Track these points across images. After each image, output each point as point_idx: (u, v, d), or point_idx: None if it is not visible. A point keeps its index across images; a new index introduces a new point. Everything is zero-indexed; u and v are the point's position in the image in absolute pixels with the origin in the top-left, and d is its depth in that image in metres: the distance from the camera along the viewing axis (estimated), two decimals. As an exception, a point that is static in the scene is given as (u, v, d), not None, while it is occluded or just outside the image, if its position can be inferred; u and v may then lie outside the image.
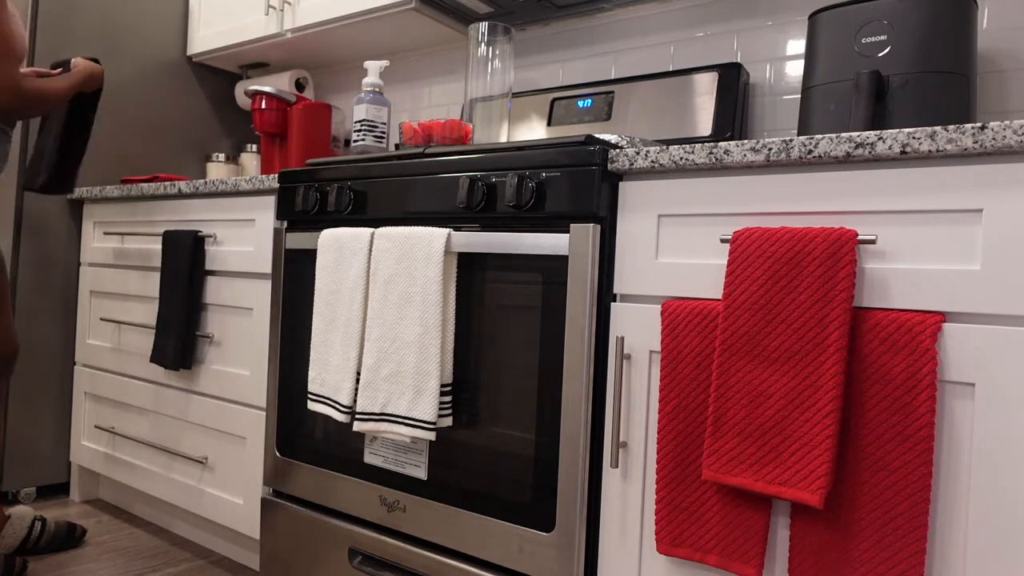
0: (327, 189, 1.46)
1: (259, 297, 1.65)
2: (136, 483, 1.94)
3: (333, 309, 1.37)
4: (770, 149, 0.97)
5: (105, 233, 2.02)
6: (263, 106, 2.08)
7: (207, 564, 1.78)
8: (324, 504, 1.45)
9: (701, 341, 1.00)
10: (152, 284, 1.93)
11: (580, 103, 1.83)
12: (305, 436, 1.49)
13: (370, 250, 1.32)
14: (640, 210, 1.10)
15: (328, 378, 1.36)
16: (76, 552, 1.80)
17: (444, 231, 1.23)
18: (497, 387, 1.21)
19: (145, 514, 2.07)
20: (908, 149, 0.88)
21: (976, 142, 0.83)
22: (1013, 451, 0.81)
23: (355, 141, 1.72)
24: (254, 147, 2.40)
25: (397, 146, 1.54)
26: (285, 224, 1.57)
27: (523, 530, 1.16)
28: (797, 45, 1.66)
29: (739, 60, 1.73)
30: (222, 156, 2.40)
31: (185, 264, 1.76)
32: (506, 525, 1.18)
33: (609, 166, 1.11)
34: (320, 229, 1.48)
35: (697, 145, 1.03)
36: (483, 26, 1.59)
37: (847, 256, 0.88)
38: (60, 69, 1.77)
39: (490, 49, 1.59)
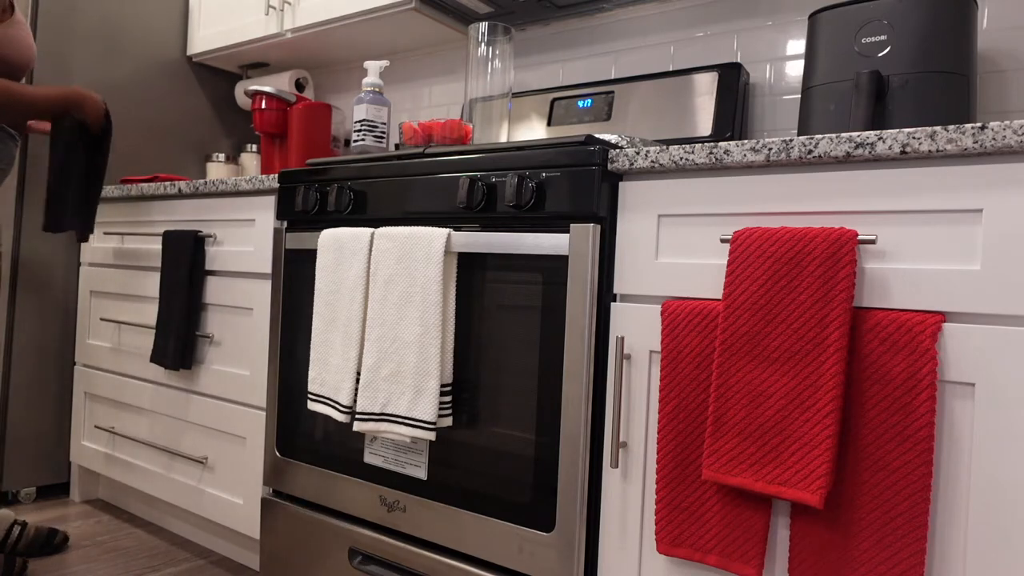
0: (327, 189, 1.46)
1: (259, 297, 1.65)
2: (136, 483, 1.94)
3: (333, 309, 1.37)
4: (770, 149, 0.97)
5: (105, 233, 2.02)
6: (263, 106, 2.08)
7: (207, 564, 1.78)
8: (324, 504, 1.45)
9: (701, 341, 1.00)
10: (152, 284, 1.93)
11: (580, 103, 1.83)
12: (305, 436, 1.49)
13: (370, 250, 1.32)
14: (640, 210, 1.10)
15: (328, 378, 1.36)
16: (76, 552, 1.80)
17: (444, 231, 1.23)
18: (497, 387, 1.21)
19: (145, 514, 2.07)
20: (908, 149, 0.88)
21: (976, 142, 0.83)
22: (1013, 451, 0.81)
23: (355, 141, 1.72)
24: (254, 147, 2.40)
25: (397, 146, 1.54)
26: (285, 224, 1.57)
27: (523, 530, 1.16)
28: (797, 45, 1.66)
29: (739, 60, 1.73)
30: (222, 156, 2.40)
31: (185, 264, 1.76)
32: (506, 525, 1.18)
33: (609, 166, 1.11)
34: (320, 229, 1.48)
35: (697, 145, 1.03)
36: (483, 26, 1.59)
37: (847, 256, 0.88)
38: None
39: (490, 49, 1.59)
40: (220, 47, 2.36)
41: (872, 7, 1.28)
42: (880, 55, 1.26)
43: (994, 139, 0.82)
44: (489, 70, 1.58)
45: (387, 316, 1.27)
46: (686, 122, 1.65)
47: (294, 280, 1.53)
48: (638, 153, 1.08)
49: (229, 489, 1.71)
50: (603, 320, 1.13)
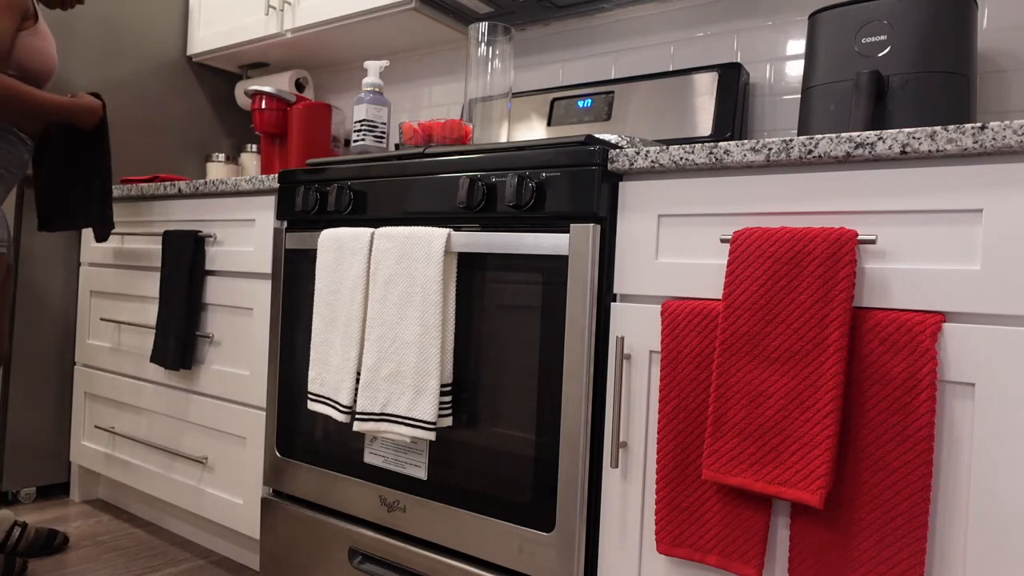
0: (327, 189, 1.46)
1: (259, 297, 1.65)
2: (136, 483, 1.94)
3: (333, 309, 1.37)
4: (770, 149, 0.97)
5: (105, 233, 2.02)
6: (263, 106, 2.08)
7: (207, 564, 1.78)
8: (324, 504, 1.45)
9: (701, 341, 1.00)
10: (152, 284, 1.93)
11: (580, 103, 1.83)
12: (305, 436, 1.49)
13: (370, 250, 1.32)
14: (640, 210, 1.10)
15: (328, 378, 1.36)
16: (76, 552, 1.80)
17: (444, 231, 1.23)
18: (497, 387, 1.21)
19: (145, 514, 2.07)
20: (908, 149, 0.88)
21: (976, 142, 0.83)
22: (1013, 451, 0.81)
23: (355, 141, 1.72)
24: (254, 147, 2.40)
25: (397, 146, 1.54)
26: (285, 224, 1.57)
27: (523, 530, 1.16)
28: (797, 45, 1.66)
29: (739, 60, 1.73)
30: (222, 156, 2.40)
31: (185, 264, 1.76)
32: (506, 525, 1.18)
33: (609, 166, 1.11)
34: (320, 229, 1.48)
35: (697, 145, 1.03)
36: (483, 26, 1.59)
37: (847, 256, 0.88)
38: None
39: (490, 49, 1.59)
40: (220, 47, 2.36)
41: (872, 7, 1.28)
42: (880, 55, 1.26)
43: (994, 139, 0.82)
44: (489, 70, 1.58)
45: (387, 316, 1.27)
46: (686, 122, 1.65)
47: (294, 280, 1.53)
48: (638, 153, 1.08)
49: (229, 489, 1.71)
50: (603, 320, 1.13)
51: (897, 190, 0.90)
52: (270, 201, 1.64)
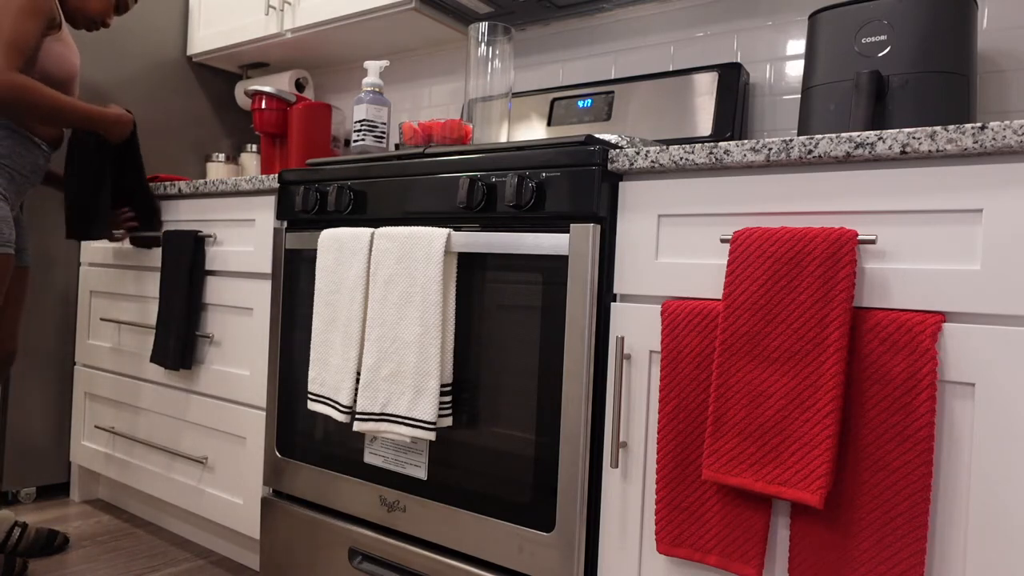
0: (327, 189, 1.46)
1: (259, 297, 1.65)
2: (136, 483, 1.94)
3: (333, 309, 1.37)
4: (770, 149, 0.97)
5: (105, 233, 2.02)
6: (263, 106, 2.08)
7: (207, 564, 1.78)
8: (324, 504, 1.45)
9: (701, 341, 1.00)
10: (152, 284, 1.93)
11: (580, 103, 1.83)
12: (305, 436, 1.49)
13: (370, 250, 1.32)
14: (640, 210, 1.10)
15: (328, 378, 1.36)
16: (76, 552, 1.80)
17: (444, 231, 1.23)
18: (497, 387, 1.21)
19: (145, 514, 2.07)
20: (908, 149, 0.88)
21: (976, 142, 0.83)
22: (1013, 451, 0.81)
23: (355, 141, 1.72)
24: (254, 147, 2.40)
25: (397, 146, 1.54)
26: (285, 224, 1.57)
27: (523, 530, 1.16)
28: (797, 45, 1.66)
29: (739, 60, 1.73)
30: (222, 156, 2.40)
31: (185, 264, 1.76)
32: (506, 525, 1.18)
33: (609, 166, 1.11)
34: (320, 229, 1.48)
35: (697, 145, 1.03)
36: (483, 26, 1.59)
37: (847, 256, 0.88)
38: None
39: (490, 49, 1.59)
40: (220, 47, 2.36)
41: (872, 7, 1.28)
42: (880, 55, 1.26)
43: (994, 139, 0.82)
44: (489, 70, 1.58)
45: (387, 316, 1.27)
46: (686, 122, 1.65)
47: (294, 280, 1.53)
48: (638, 153, 1.08)
49: (229, 489, 1.71)
50: (603, 320, 1.13)
51: (897, 190, 0.90)
52: (270, 201, 1.64)
